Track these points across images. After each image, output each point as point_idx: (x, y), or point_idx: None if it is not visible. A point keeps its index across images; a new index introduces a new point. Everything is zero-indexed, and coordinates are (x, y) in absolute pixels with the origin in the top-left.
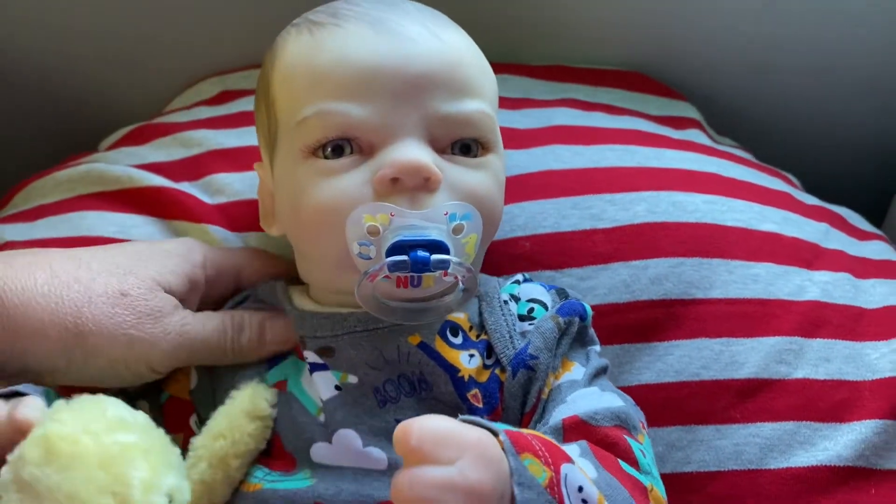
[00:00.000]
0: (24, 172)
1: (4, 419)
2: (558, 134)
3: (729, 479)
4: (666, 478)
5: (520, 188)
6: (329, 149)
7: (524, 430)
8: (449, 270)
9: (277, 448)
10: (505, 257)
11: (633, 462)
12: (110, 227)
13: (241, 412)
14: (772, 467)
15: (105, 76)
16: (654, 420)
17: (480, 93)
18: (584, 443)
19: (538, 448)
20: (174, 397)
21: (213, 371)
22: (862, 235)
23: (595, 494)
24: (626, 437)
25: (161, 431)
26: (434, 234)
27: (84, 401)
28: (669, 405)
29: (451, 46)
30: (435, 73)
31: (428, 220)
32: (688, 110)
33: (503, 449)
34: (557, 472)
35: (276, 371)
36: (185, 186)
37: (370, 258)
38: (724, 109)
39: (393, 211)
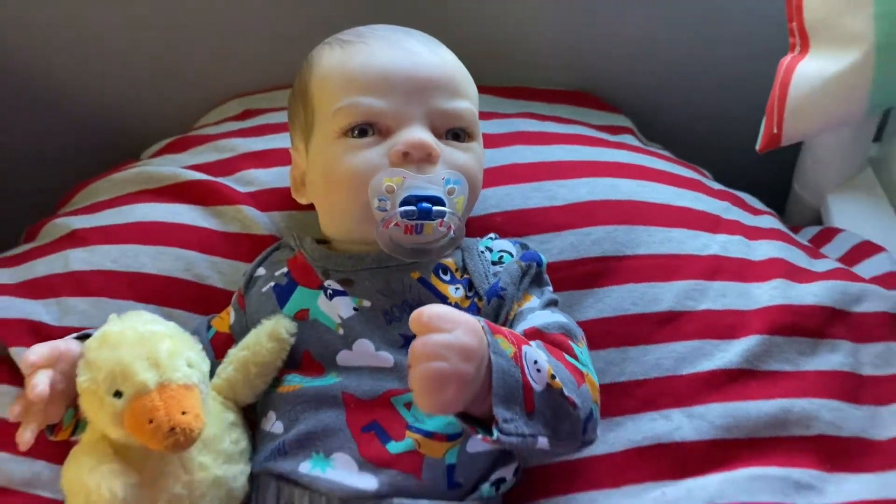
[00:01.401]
0: (75, 179)
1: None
2: (521, 137)
3: (652, 384)
4: (605, 387)
5: (492, 177)
6: (356, 131)
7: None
8: (444, 220)
9: (307, 360)
10: (482, 229)
11: (574, 356)
12: (159, 214)
13: (264, 333)
14: (683, 373)
15: (141, 99)
16: (596, 344)
17: (467, 96)
18: (538, 342)
19: (507, 333)
20: (218, 332)
21: (246, 311)
22: (755, 212)
23: (546, 366)
24: (569, 341)
25: (187, 333)
26: (435, 192)
27: (130, 313)
28: (608, 333)
29: (446, 61)
30: (435, 79)
31: (430, 182)
32: (622, 120)
33: (483, 330)
34: (520, 349)
35: (290, 305)
36: (221, 180)
37: (386, 210)
38: (650, 119)
39: (405, 175)
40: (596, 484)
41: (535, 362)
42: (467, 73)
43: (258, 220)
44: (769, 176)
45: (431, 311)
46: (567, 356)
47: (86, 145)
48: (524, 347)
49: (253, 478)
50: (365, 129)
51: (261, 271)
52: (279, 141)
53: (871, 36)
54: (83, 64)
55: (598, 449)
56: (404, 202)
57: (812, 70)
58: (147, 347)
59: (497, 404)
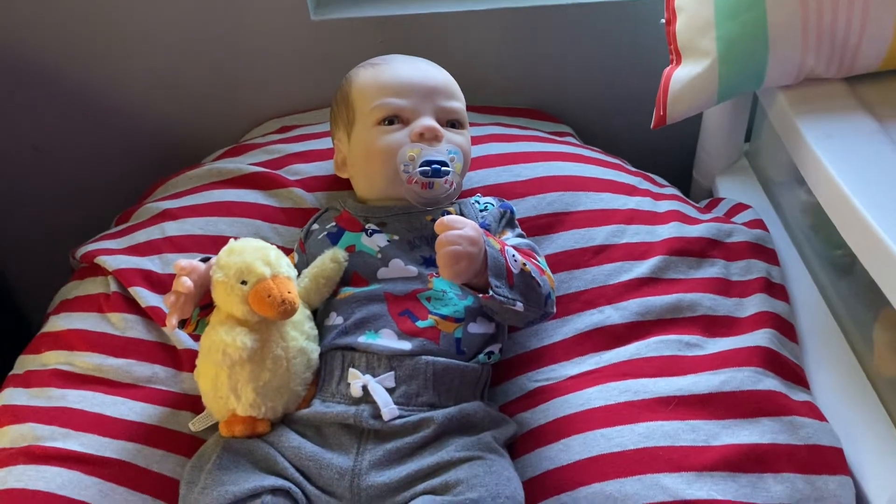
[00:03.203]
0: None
1: (206, 268)
2: (493, 138)
3: (591, 292)
4: (560, 297)
5: (475, 164)
6: (387, 121)
7: None
8: (449, 178)
9: (356, 278)
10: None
11: (537, 260)
12: (230, 196)
13: (328, 257)
14: (611, 283)
15: (191, 121)
16: (552, 271)
17: (460, 99)
18: (514, 249)
19: (495, 238)
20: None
21: (306, 252)
22: (661, 186)
23: (520, 258)
24: (533, 253)
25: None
26: (442, 157)
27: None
28: (560, 262)
29: (445, 75)
30: (439, 86)
31: (438, 152)
32: (564, 128)
33: (480, 230)
34: (503, 247)
35: (341, 243)
36: (275, 171)
37: (409, 172)
38: (587, 127)
39: (422, 147)
40: (555, 359)
41: (513, 255)
42: (457, 84)
43: (306, 198)
44: (677, 168)
45: (449, 217)
46: (533, 259)
47: (151, 155)
48: (506, 247)
49: (321, 356)
50: (392, 120)
51: (315, 226)
52: (314, 144)
53: (714, 51)
54: (148, 88)
55: (555, 337)
56: (422, 165)
57: (682, 74)
58: (261, 253)
59: (491, 275)
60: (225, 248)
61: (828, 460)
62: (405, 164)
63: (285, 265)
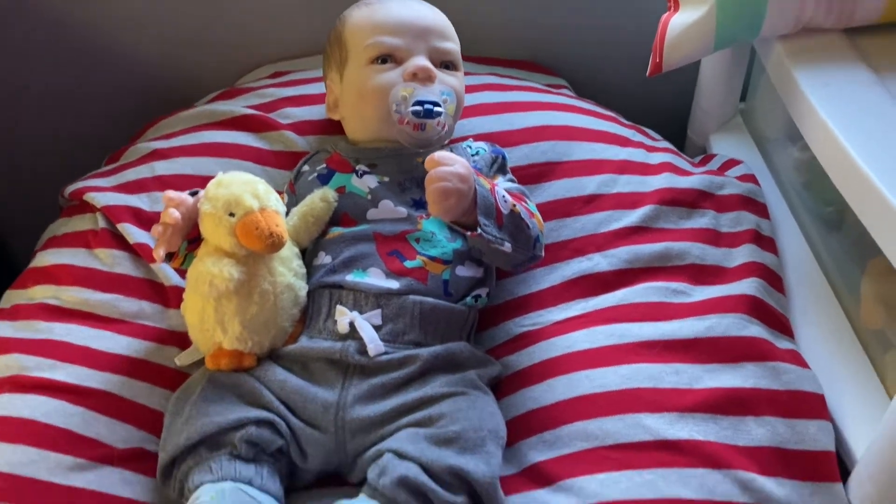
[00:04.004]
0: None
1: (194, 201)
2: (487, 87)
3: (580, 240)
4: (549, 246)
5: (468, 112)
6: (380, 60)
7: None
8: (441, 119)
9: (345, 218)
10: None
11: (526, 204)
12: (222, 138)
13: (317, 196)
14: (601, 231)
15: (181, 65)
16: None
17: (454, 40)
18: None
19: (485, 177)
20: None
21: (296, 193)
22: (654, 139)
23: (510, 199)
24: (524, 196)
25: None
26: (435, 98)
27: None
28: (551, 211)
29: (439, 15)
30: (433, 26)
31: (431, 93)
32: (559, 81)
33: (471, 169)
34: (493, 186)
35: (331, 184)
36: (267, 115)
37: (401, 113)
38: (583, 82)
39: (415, 87)
40: (542, 305)
41: (503, 196)
42: (452, 26)
43: (297, 142)
44: (672, 127)
45: (440, 153)
46: (523, 203)
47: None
48: (496, 187)
49: (309, 295)
50: (385, 59)
51: (305, 168)
52: (307, 89)
53: None
54: (138, 27)
55: (543, 284)
56: (414, 105)
57: (679, 21)
58: (250, 186)
59: (480, 214)
60: (213, 181)
61: (809, 405)
62: (397, 103)
63: (273, 199)
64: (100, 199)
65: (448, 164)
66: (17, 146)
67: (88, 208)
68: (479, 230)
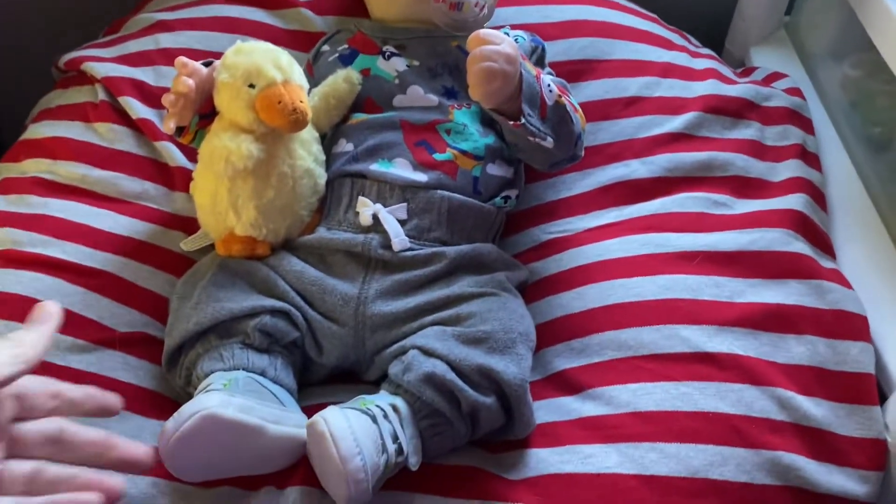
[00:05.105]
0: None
1: (208, 71)
2: None
3: (618, 145)
4: (589, 147)
5: (500, 1)
6: None
7: None
8: (479, 0)
9: (370, 104)
10: None
11: (570, 97)
12: (234, 12)
13: (340, 77)
14: (640, 136)
15: None
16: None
17: None
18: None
19: (530, 63)
20: None
21: (314, 76)
22: (697, 46)
23: (556, 89)
24: (566, 91)
25: None
26: None
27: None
28: (587, 112)
29: None
30: None
31: None
32: None
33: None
34: (539, 74)
35: (354, 66)
36: None
37: None
38: None
39: None
40: (572, 212)
41: (549, 86)
42: None
43: (315, 21)
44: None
45: (486, 31)
46: (566, 96)
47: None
48: (542, 75)
49: (328, 184)
50: None
51: (325, 48)
52: None
53: None
54: None
55: (574, 190)
56: None
57: None
58: (272, 56)
59: (524, 102)
60: (232, 48)
61: (852, 326)
62: None
63: (298, 72)
64: (100, 69)
65: (495, 43)
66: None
67: (87, 80)
68: (523, 120)
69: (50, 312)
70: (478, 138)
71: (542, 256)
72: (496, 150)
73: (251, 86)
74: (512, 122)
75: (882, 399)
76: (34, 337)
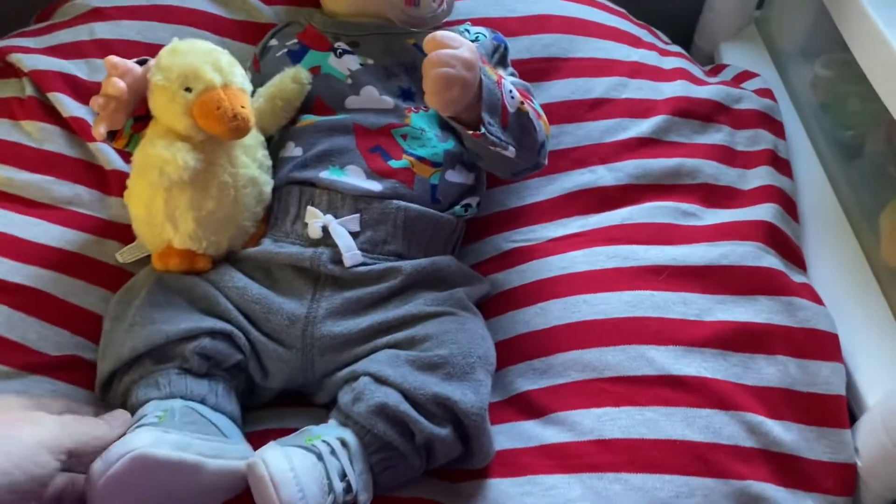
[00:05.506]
0: None
1: (142, 71)
2: None
3: (582, 150)
4: (553, 151)
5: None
6: None
7: None
8: None
9: (319, 104)
10: None
11: (532, 103)
12: (173, 1)
13: (288, 76)
14: (606, 141)
15: None
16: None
17: None
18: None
19: (491, 67)
20: None
21: (261, 72)
22: (666, 42)
23: (518, 96)
24: (529, 95)
25: None
26: None
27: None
28: (550, 115)
29: None
30: None
31: None
32: None
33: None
34: (500, 79)
35: (303, 63)
36: None
37: None
38: None
39: None
40: (536, 220)
41: (510, 91)
42: None
43: (264, 11)
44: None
45: (443, 33)
46: (529, 101)
47: None
48: (503, 80)
49: (274, 191)
50: None
51: (273, 42)
52: None
53: None
54: None
55: (538, 196)
56: None
57: None
58: (212, 57)
59: (484, 110)
60: (167, 48)
61: (823, 346)
62: None
63: (239, 75)
64: (27, 61)
65: (452, 46)
66: None
67: (13, 72)
68: (483, 129)
69: None
70: (436, 143)
71: (504, 267)
72: (456, 156)
73: (188, 89)
74: (471, 132)
75: (853, 421)
76: None
